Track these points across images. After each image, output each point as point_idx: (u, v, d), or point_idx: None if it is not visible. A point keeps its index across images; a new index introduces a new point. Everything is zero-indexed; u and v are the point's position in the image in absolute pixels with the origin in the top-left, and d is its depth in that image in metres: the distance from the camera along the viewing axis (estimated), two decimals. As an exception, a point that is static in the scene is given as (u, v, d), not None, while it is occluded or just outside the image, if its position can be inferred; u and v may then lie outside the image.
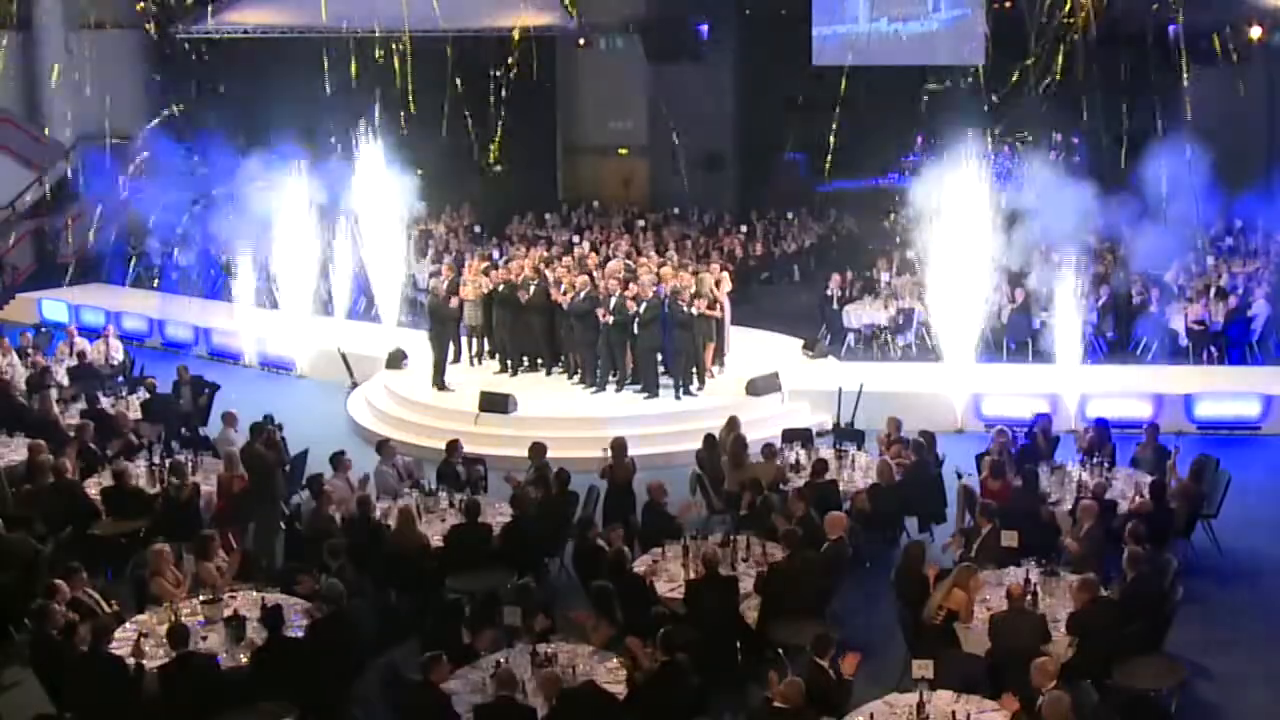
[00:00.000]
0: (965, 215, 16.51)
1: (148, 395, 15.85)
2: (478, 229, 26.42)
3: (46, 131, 27.02)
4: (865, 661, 9.07)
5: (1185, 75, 18.79)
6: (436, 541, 11.57)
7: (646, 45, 28.42)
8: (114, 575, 11.79)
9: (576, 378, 17.10)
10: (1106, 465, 12.82)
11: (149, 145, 23.34)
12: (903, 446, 13.30)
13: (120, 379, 17.35)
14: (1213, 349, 18.30)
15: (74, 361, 17.73)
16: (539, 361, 17.63)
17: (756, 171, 29.43)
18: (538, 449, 12.89)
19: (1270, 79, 25.54)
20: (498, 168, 24.71)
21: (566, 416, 15.99)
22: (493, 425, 15.76)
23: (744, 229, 26.29)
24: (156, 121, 24.07)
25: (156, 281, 23.59)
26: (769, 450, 13.21)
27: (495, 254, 21.99)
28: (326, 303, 21.74)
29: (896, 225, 19.06)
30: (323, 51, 22.86)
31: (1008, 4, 24.10)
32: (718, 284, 17.54)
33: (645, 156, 30.25)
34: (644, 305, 16.18)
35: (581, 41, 27.62)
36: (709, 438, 13.57)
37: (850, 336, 19.90)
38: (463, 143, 22.99)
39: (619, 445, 12.84)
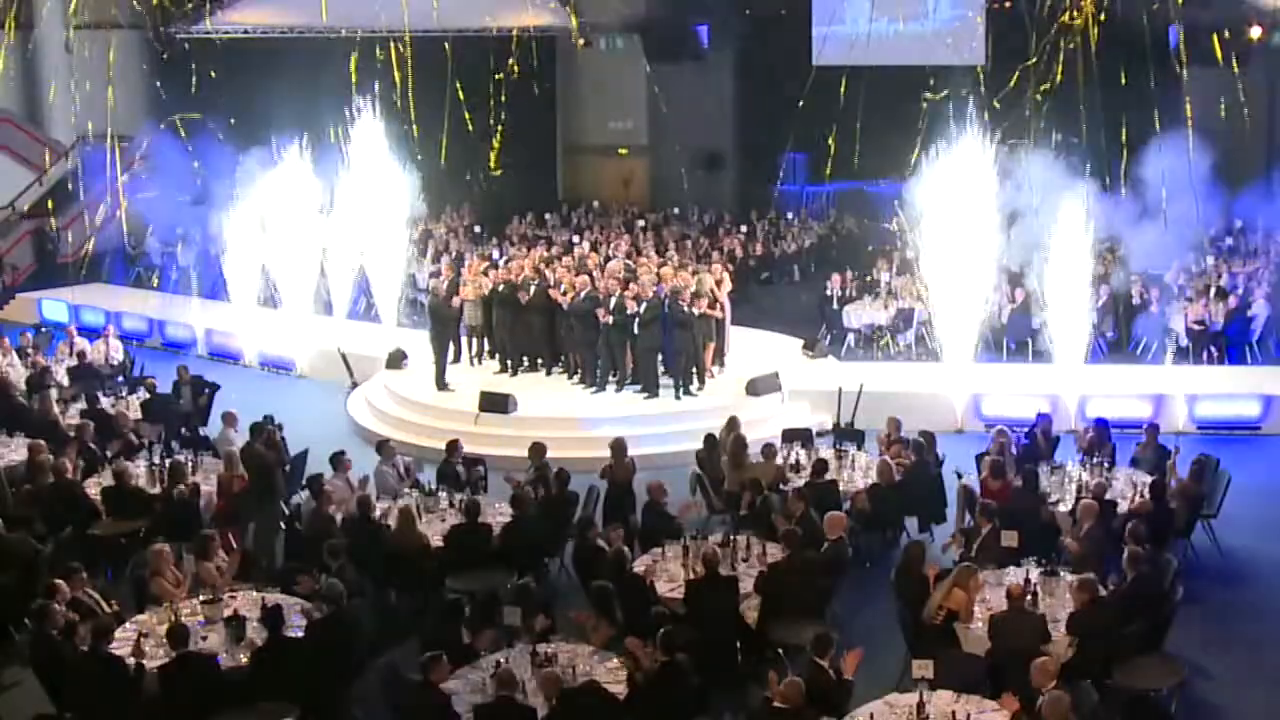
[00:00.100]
0: (965, 216, 16.51)
1: (148, 395, 15.86)
2: (478, 229, 26.44)
3: (47, 132, 27.05)
4: (865, 661, 9.06)
5: (1185, 75, 18.78)
6: (436, 541, 11.57)
7: (646, 45, 28.43)
8: (114, 575, 11.81)
9: (576, 378, 17.10)
10: (1106, 465, 12.82)
11: (149, 145, 23.31)
12: (903, 446, 13.30)
13: (120, 379, 17.35)
14: (1213, 349, 18.30)
15: (74, 361, 17.74)
16: (539, 361, 17.63)
17: (756, 171, 29.43)
18: (538, 449, 12.89)
19: (1270, 79, 25.54)
20: (497, 173, 24.69)
21: (566, 416, 15.99)
22: (493, 425, 15.76)
23: (744, 229, 26.32)
24: (156, 121, 24.04)
25: (156, 281, 23.61)
26: (769, 450, 13.21)
27: (495, 254, 22.00)
28: (327, 303, 21.76)
29: (897, 226, 19.06)
30: (323, 51, 22.86)
31: (1007, 4, 24.12)
32: (719, 284, 17.55)
33: (645, 156, 30.26)
34: (644, 305, 16.18)
35: (581, 41, 27.62)
36: (709, 438, 13.57)
37: (850, 336, 19.91)
38: (463, 143, 22.99)
39: (619, 445, 12.84)
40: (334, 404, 18.02)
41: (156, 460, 13.28)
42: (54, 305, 23.56)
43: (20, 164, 26.69)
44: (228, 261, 21.61)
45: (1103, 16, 18.23)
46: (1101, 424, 13.72)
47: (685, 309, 16.20)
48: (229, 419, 14.14)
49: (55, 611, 9.52)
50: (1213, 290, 18.98)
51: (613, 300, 16.38)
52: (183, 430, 14.98)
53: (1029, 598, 9.82)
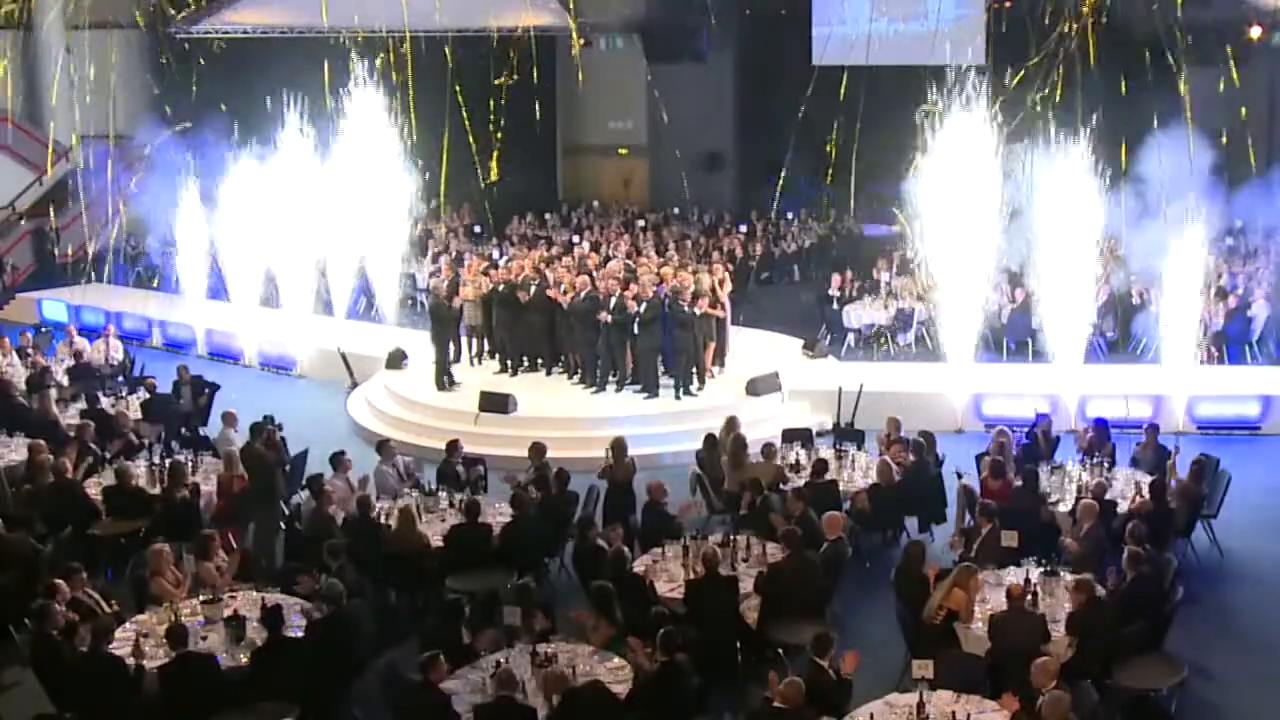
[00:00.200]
0: (965, 216, 16.51)
1: (148, 395, 15.87)
2: (478, 229, 26.44)
3: (47, 132, 27.03)
4: (865, 661, 9.06)
5: (1185, 75, 18.78)
6: (436, 541, 11.57)
7: (646, 45, 28.41)
8: (114, 575, 11.80)
9: (576, 378, 17.10)
10: (1106, 465, 12.82)
11: (149, 145, 23.31)
12: (903, 446, 13.30)
13: (120, 379, 17.36)
14: (1213, 349, 18.29)
15: (73, 361, 17.73)
16: (539, 361, 17.63)
17: (756, 171, 29.43)
18: (538, 449, 12.89)
19: (1270, 79, 25.53)
20: (496, 182, 24.71)
21: (566, 416, 15.99)
22: (493, 425, 15.76)
23: (744, 229, 26.31)
24: (156, 121, 24.04)
25: (156, 281, 23.60)
26: (769, 450, 13.21)
27: (495, 254, 22.00)
28: (327, 303, 21.76)
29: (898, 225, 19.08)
30: (322, 51, 22.84)
31: (1007, 4, 24.11)
32: (720, 284, 17.54)
33: (645, 156, 30.25)
34: (644, 305, 16.18)
35: (581, 41, 27.61)
36: (709, 438, 13.57)
37: (850, 336, 19.91)
38: (463, 143, 22.99)
39: (619, 445, 12.84)
40: (334, 404, 18.02)
41: (156, 460, 13.28)
42: (54, 305, 23.57)
43: (20, 164, 26.70)
44: (226, 262, 21.62)
45: (1104, 18, 18.25)
46: (1101, 424, 13.71)
47: (685, 309, 16.20)
48: (229, 419, 14.14)
49: (55, 611, 9.52)
50: (1213, 290, 18.95)
51: (613, 300, 16.38)
52: (183, 430, 14.98)
53: (1029, 598, 9.83)
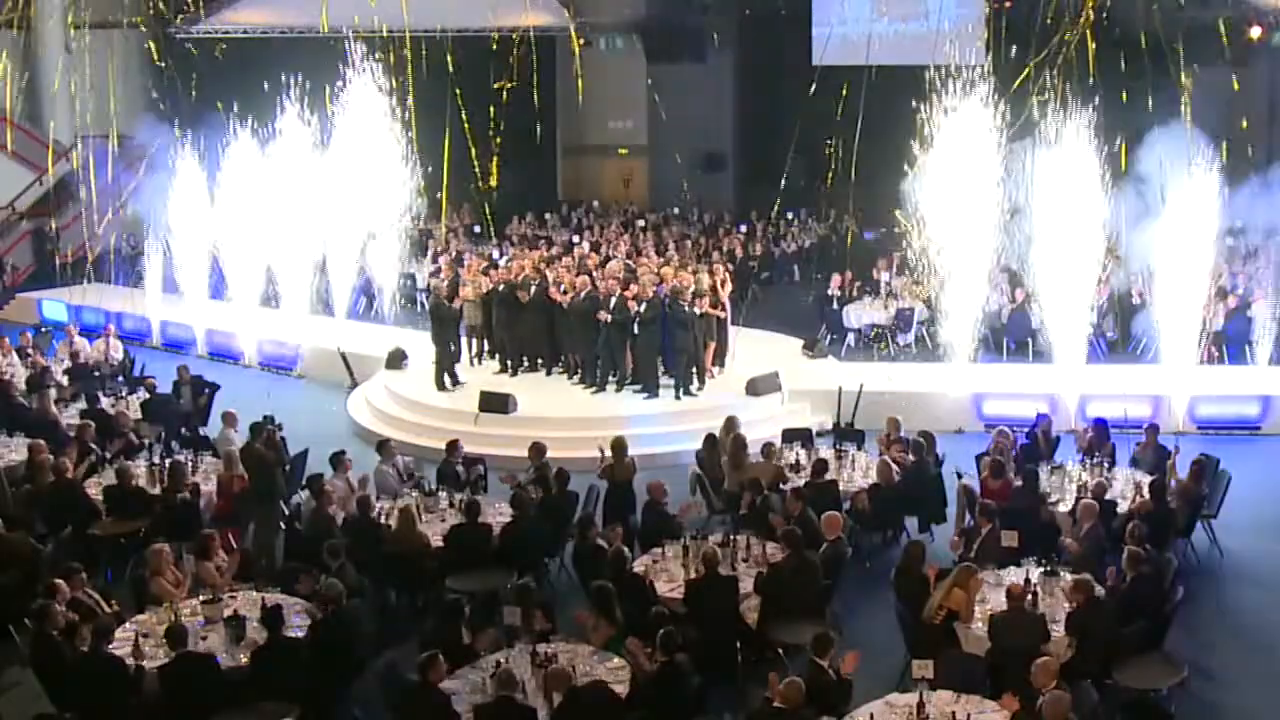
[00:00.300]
0: (965, 216, 16.51)
1: (148, 395, 15.86)
2: (477, 229, 26.45)
3: (47, 132, 27.04)
4: (865, 661, 9.06)
5: (1185, 75, 18.80)
6: (436, 541, 11.57)
7: (646, 45, 28.42)
8: (114, 575, 11.80)
9: (576, 378, 17.10)
10: (1106, 465, 12.82)
11: (149, 145, 23.31)
12: (903, 446, 13.31)
13: (120, 379, 17.36)
14: (1213, 349, 18.29)
15: (71, 362, 17.73)
16: (539, 361, 17.63)
17: (756, 172, 29.42)
18: (538, 449, 12.89)
19: (1270, 79, 25.53)
20: (494, 187, 24.75)
21: (566, 416, 15.99)
22: (493, 425, 15.76)
23: (744, 229, 26.31)
24: (156, 121, 24.04)
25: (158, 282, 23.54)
26: (769, 450, 13.21)
27: (495, 254, 22.00)
28: (327, 303, 21.77)
29: (899, 224, 19.08)
30: (322, 51, 22.83)
31: (1007, 4, 24.11)
32: (721, 285, 17.54)
33: (645, 156, 30.26)
34: (644, 305, 16.18)
35: (581, 41, 27.63)
36: (709, 438, 13.57)
37: (850, 336, 19.91)
38: (463, 144, 23.00)
39: (619, 445, 12.84)
40: (334, 404, 18.02)
41: (156, 460, 13.28)
42: (54, 305, 23.57)
43: (20, 164, 26.69)
44: (226, 261, 21.63)
45: (1104, 18, 18.24)
46: (1101, 424, 13.71)
47: (685, 309, 16.20)
48: (229, 419, 14.14)
49: (55, 611, 9.51)
50: (1213, 290, 18.94)
51: (613, 300, 16.38)
52: (183, 430, 14.98)
53: (1029, 598, 9.83)
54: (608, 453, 12.73)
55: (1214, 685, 10.14)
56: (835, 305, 20.26)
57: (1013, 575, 10.31)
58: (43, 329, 21.14)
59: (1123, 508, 11.88)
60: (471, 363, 18.10)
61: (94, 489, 12.80)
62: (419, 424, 16.35)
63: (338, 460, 12.71)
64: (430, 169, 22.34)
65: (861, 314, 20.02)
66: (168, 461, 12.99)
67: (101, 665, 9.11)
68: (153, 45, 26.05)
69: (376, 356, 18.67)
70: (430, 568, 11.29)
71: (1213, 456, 12.98)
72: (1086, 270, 16.83)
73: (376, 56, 20.52)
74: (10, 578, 10.86)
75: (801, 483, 12.51)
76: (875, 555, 12.56)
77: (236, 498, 12.57)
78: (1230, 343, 18.31)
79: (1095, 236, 16.67)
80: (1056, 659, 8.71)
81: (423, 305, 21.63)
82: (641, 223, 26.41)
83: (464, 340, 17.94)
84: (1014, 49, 20.20)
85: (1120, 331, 19.28)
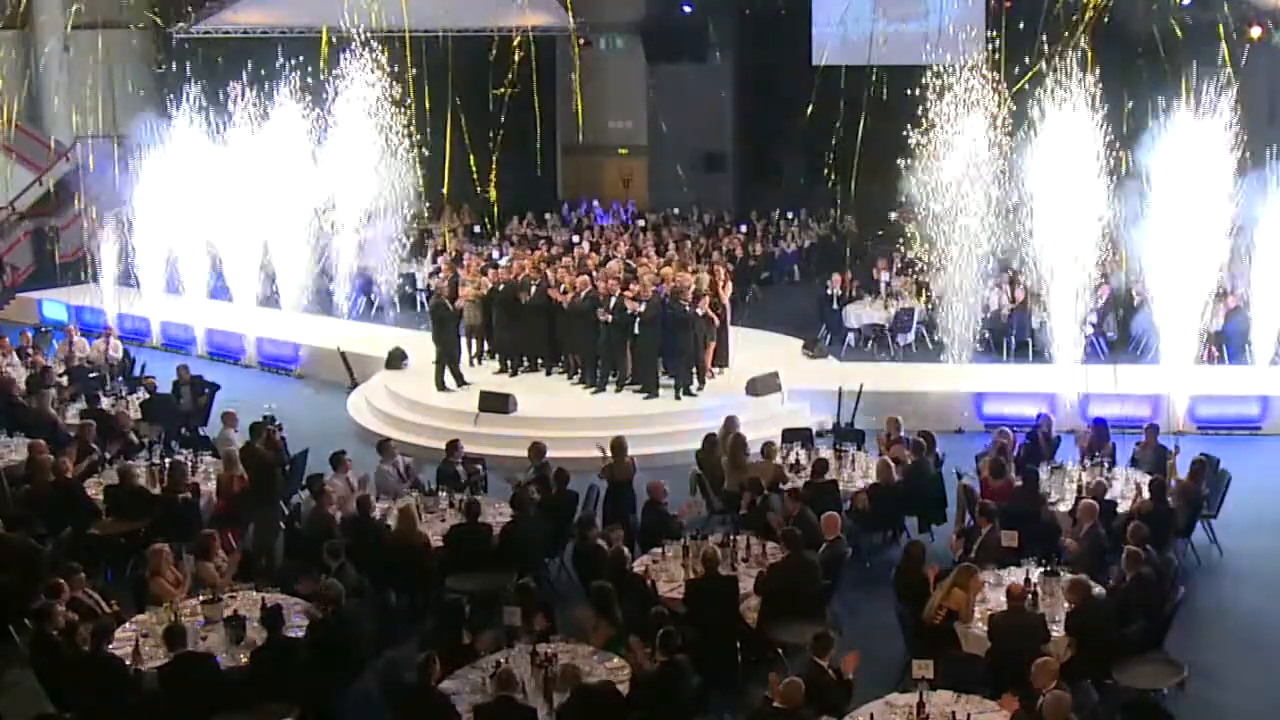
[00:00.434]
0: (965, 216, 16.51)
1: (148, 395, 15.86)
2: (477, 229, 26.44)
3: (47, 132, 27.05)
4: (865, 661, 9.06)
5: (1186, 75, 18.79)
6: (436, 541, 11.57)
7: (646, 45, 28.41)
8: (114, 575, 11.79)
9: (576, 378, 17.10)
10: (1106, 465, 12.82)
11: (149, 145, 23.32)
12: (903, 446, 13.30)
13: (120, 379, 17.35)
14: (1213, 349, 18.29)
15: (69, 363, 17.73)
16: (539, 361, 17.63)
17: (756, 172, 29.43)
18: (538, 449, 12.89)
19: (1270, 79, 25.50)
20: (494, 189, 24.75)
21: (566, 416, 15.99)
22: (493, 425, 15.76)
23: (744, 229, 26.31)
24: (155, 121, 24.05)
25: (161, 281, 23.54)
26: (769, 450, 13.21)
27: (495, 254, 21.99)
28: (327, 303, 21.76)
29: (899, 224, 19.12)
30: (322, 51, 22.84)
31: (1008, 4, 24.09)
32: (721, 285, 17.53)
33: (645, 156, 30.25)
34: (644, 305, 16.18)
35: (581, 41, 27.63)
36: (709, 438, 13.57)
37: (850, 336, 19.91)
38: (462, 143, 23.01)
39: (619, 445, 12.84)
40: (334, 404, 18.02)
41: (156, 460, 13.28)
42: (54, 305, 23.56)
43: (20, 164, 26.68)
44: (225, 261, 21.64)
45: (1105, 18, 18.25)
46: (1101, 424, 13.71)
47: (685, 309, 16.19)
48: (229, 419, 14.14)
49: (55, 611, 9.52)
50: (1213, 290, 18.92)
51: (613, 300, 16.38)
52: (183, 430, 14.98)
53: (1029, 598, 9.83)
54: (608, 452, 12.74)
55: (1214, 685, 10.13)
56: (835, 305, 20.26)
57: (1013, 575, 10.31)
58: (43, 329, 21.13)
59: (1123, 508, 11.88)
60: (471, 363, 18.10)
61: (94, 489, 12.80)
62: (419, 424, 16.35)
63: (338, 460, 12.71)
64: (430, 170, 22.36)
65: (861, 314, 20.02)
66: (168, 461, 12.99)
67: (101, 665, 9.11)
68: (153, 45, 26.09)
69: (377, 356, 18.67)
70: (430, 568, 11.29)
71: (1213, 456, 12.96)
72: (1086, 270, 16.84)
73: (376, 57, 20.53)
74: (10, 578, 10.86)
75: (801, 483, 12.51)
76: (875, 555, 12.57)
77: (236, 498, 12.57)
78: (1230, 343, 18.31)
79: (1096, 237, 16.69)
80: (1056, 659, 8.72)
81: (423, 305, 21.63)
82: (641, 223, 26.41)
83: (464, 340, 17.93)
84: (1013, 49, 20.20)
85: (1120, 331, 19.27)
